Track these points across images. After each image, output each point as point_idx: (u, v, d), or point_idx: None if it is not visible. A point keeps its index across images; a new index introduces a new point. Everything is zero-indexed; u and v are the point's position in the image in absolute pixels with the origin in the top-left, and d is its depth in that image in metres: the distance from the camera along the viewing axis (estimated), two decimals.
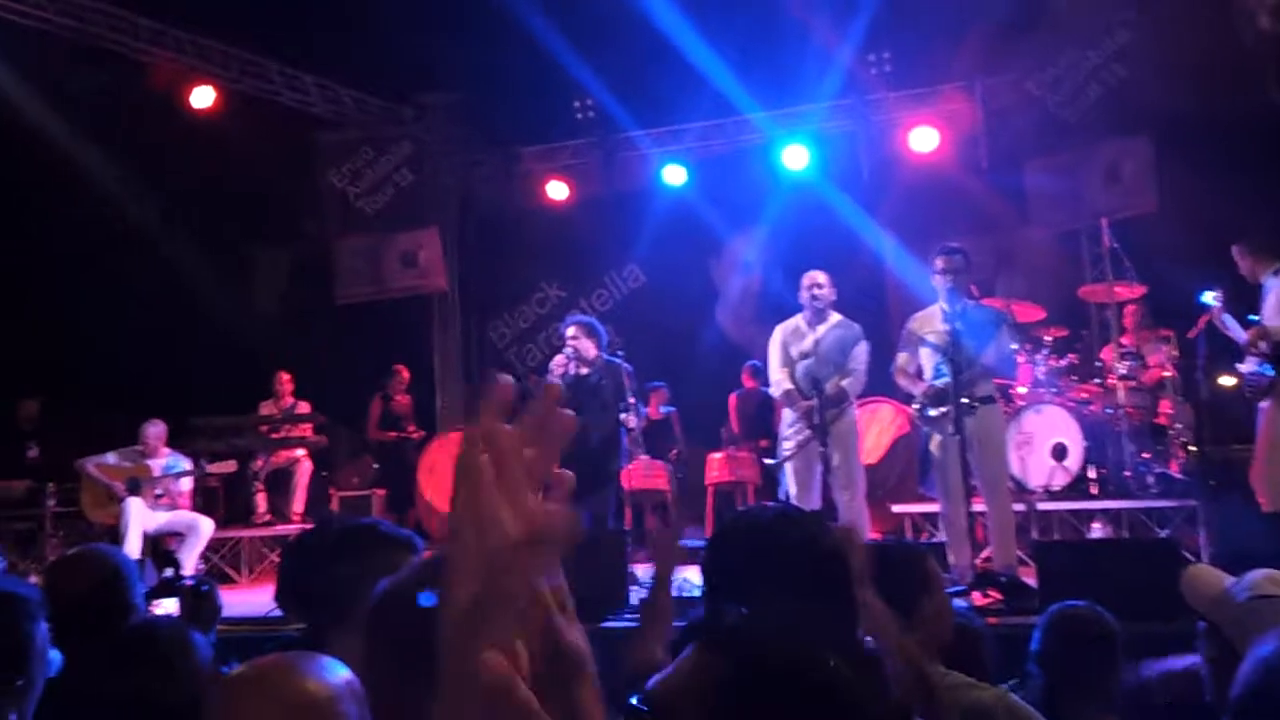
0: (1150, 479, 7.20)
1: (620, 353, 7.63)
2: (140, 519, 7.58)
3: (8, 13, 8.85)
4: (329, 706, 1.30)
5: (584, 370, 6.67)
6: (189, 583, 4.73)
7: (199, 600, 4.26)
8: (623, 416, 6.74)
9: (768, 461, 6.65)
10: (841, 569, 1.76)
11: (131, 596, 2.92)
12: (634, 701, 1.48)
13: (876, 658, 1.97)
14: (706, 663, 1.53)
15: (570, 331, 6.74)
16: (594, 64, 9.86)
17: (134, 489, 7.71)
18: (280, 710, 1.27)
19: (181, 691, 2.26)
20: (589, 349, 6.68)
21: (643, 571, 7.02)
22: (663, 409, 9.62)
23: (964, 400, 5.65)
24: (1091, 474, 7.34)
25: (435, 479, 8.79)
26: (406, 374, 10.04)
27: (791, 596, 1.69)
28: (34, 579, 7.45)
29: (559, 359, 6.73)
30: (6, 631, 2.10)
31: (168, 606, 6.11)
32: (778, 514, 1.88)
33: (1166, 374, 7.53)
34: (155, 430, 8.02)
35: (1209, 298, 6.48)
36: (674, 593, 2.73)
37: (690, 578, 6.27)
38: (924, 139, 9.72)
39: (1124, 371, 7.50)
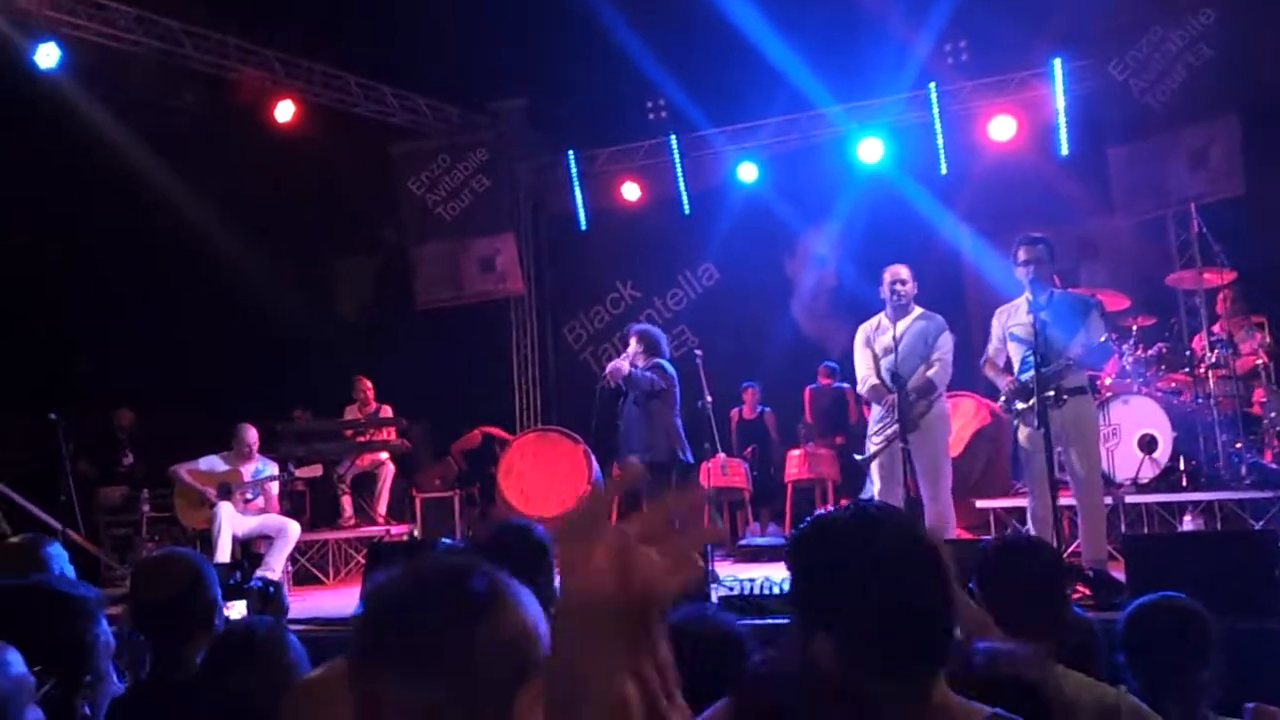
0: (1244, 469, 6.98)
1: (699, 352, 7.70)
2: (231, 523, 7.78)
3: (101, 38, 9.17)
4: None
5: (632, 375, 7.02)
6: (256, 584, 4.85)
7: (265, 602, 4.36)
8: (699, 405, 7.22)
9: (857, 456, 6.60)
10: (933, 570, 1.69)
11: (213, 597, 3.00)
12: None
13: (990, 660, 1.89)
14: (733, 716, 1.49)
15: (631, 339, 7.27)
16: (666, 63, 9.88)
17: (225, 494, 7.91)
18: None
19: (275, 690, 2.33)
20: (638, 354, 7.11)
21: (723, 569, 7.06)
22: (757, 408, 9.62)
23: (1051, 392, 5.54)
24: (1182, 465, 7.15)
25: (513, 480, 8.88)
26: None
27: (877, 601, 1.62)
28: (129, 582, 7.70)
29: (612, 365, 7.17)
30: (71, 631, 2.18)
31: (236, 609, 6.28)
32: (858, 514, 1.79)
33: (1260, 361, 7.30)
34: (252, 435, 8.21)
35: None
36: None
37: (771, 576, 6.29)
38: (1002, 128, 9.56)
39: (1215, 360, 7.29)
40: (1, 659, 1.61)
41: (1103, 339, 5.98)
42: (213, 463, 8.17)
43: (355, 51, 10.35)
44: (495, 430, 10.04)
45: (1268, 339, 7.37)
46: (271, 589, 4.47)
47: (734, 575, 6.73)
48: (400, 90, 10.73)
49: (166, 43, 9.48)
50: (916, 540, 1.69)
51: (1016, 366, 5.95)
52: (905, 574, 1.63)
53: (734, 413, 9.59)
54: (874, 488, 6.38)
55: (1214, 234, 7.76)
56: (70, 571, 3.40)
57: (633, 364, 7.07)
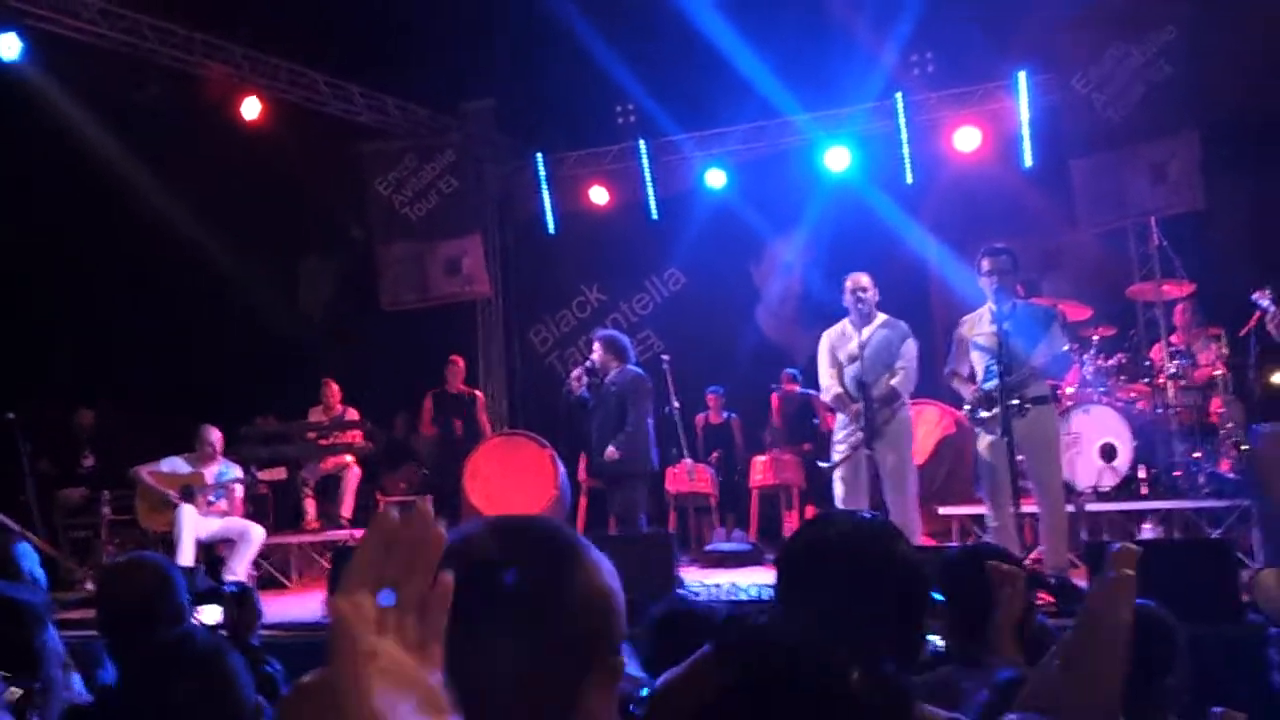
0: (1201, 479, 7.10)
1: (665, 357, 7.74)
2: (193, 526, 7.69)
3: (64, 29, 9.05)
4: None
5: (597, 382, 7.11)
6: (231, 589, 4.81)
7: (241, 607, 4.34)
8: (666, 411, 7.44)
9: (822, 465, 6.66)
10: (915, 586, 1.73)
11: (182, 601, 2.98)
12: (630, 709, 1.46)
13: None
14: (712, 664, 1.50)
15: (595, 346, 7.28)
16: (635, 68, 9.92)
17: (187, 496, 7.83)
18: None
19: (214, 703, 2.31)
20: (609, 362, 7.12)
21: (688, 574, 7.08)
22: (723, 413, 9.66)
23: (1014, 402, 5.62)
24: (1141, 474, 7.26)
25: (479, 484, 8.86)
26: (462, 364, 10.02)
27: (862, 611, 1.65)
28: (89, 586, 7.62)
29: (576, 372, 7.26)
30: (17, 638, 2.15)
31: (210, 613, 6.21)
32: (852, 526, 1.82)
33: (1217, 372, 7.44)
34: (215, 436, 8.12)
35: (1259, 298, 6.42)
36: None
37: (737, 581, 6.33)
38: (967, 138, 9.66)
39: (1174, 370, 7.42)
40: None
41: (1064, 349, 6.07)
42: (175, 464, 8.07)
43: (323, 50, 10.28)
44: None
45: (1224, 350, 7.51)
46: (246, 594, 4.43)
47: (700, 580, 6.76)
48: (368, 89, 10.67)
49: (131, 36, 9.36)
50: (901, 556, 1.73)
51: (980, 376, 6.03)
52: (885, 587, 1.67)
53: (699, 418, 9.63)
54: (838, 494, 6.44)
55: (1173, 247, 7.91)
56: (39, 571, 3.38)
57: (602, 375, 7.09)
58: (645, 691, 1.42)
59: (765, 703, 1.29)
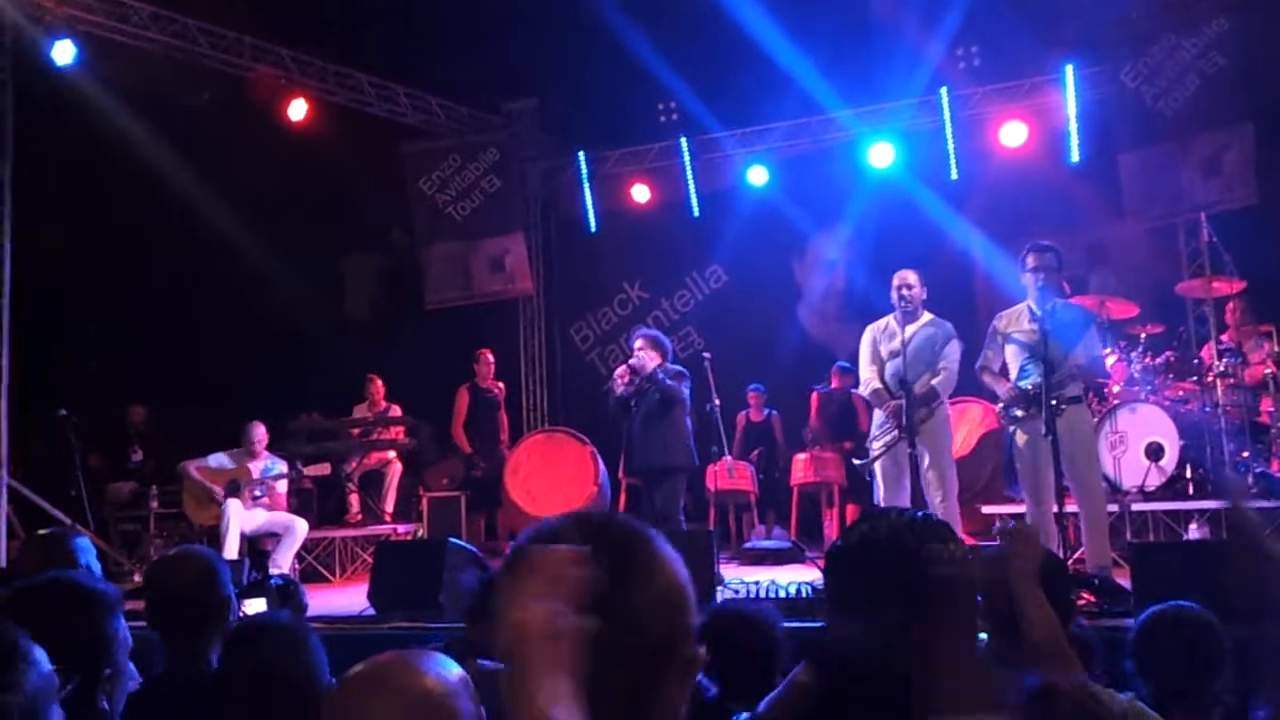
0: (1250, 479, 6.97)
1: (707, 355, 7.73)
2: (239, 520, 7.82)
3: (116, 34, 9.22)
4: (446, 702, 1.33)
5: (641, 381, 7.05)
6: (276, 582, 4.90)
7: (285, 599, 4.41)
8: (707, 408, 7.40)
9: (856, 462, 6.62)
10: (951, 582, 1.70)
11: (227, 594, 3.04)
12: None
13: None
14: (813, 681, 1.49)
15: (637, 344, 7.19)
16: (677, 66, 9.90)
17: (233, 491, 7.95)
18: (399, 705, 1.31)
19: (294, 684, 2.36)
20: (651, 359, 7.06)
21: (728, 571, 7.07)
22: (764, 410, 9.63)
23: (1053, 401, 5.55)
24: (1188, 474, 7.14)
25: (520, 480, 8.90)
26: (492, 358, 10.06)
27: (904, 610, 1.64)
28: (137, 578, 7.76)
29: (621, 370, 7.20)
30: (92, 625, 2.21)
31: (255, 605, 6.31)
32: (903, 524, 1.80)
33: (1268, 371, 7.29)
34: (260, 432, 8.27)
35: None
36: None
37: (776, 579, 6.30)
38: (1013, 133, 9.55)
39: (1223, 369, 7.28)
40: (30, 656, 1.63)
41: (1107, 351, 5.98)
42: (221, 460, 8.21)
43: (368, 51, 10.38)
44: None
45: (1276, 349, 7.36)
46: (291, 586, 4.52)
47: (739, 578, 6.75)
48: (412, 90, 10.76)
49: (182, 40, 9.52)
50: (938, 553, 1.71)
51: (1014, 373, 5.96)
52: (922, 585, 1.65)
53: (740, 416, 9.61)
54: (879, 493, 6.40)
55: (1224, 243, 7.75)
56: (96, 565, 3.45)
57: (644, 373, 7.08)
58: (745, 717, 1.43)
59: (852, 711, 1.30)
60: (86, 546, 3.63)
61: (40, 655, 1.64)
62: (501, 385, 10.09)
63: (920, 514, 1.85)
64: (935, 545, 1.65)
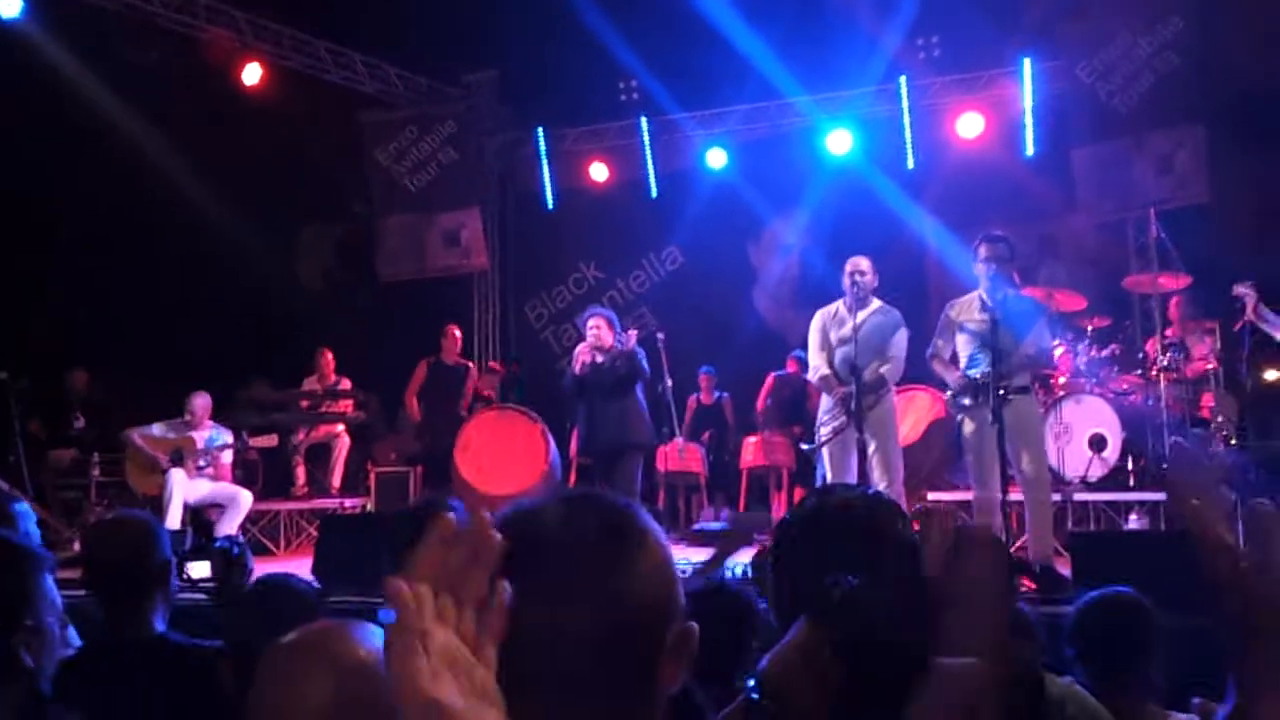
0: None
1: (660, 334, 7.73)
2: (182, 490, 7.72)
3: None
4: (380, 671, 1.32)
5: (600, 358, 7.08)
6: (221, 544, 4.85)
7: (230, 563, 4.38)
8: (659, 389, 7.43)
9: (804, 446, 6.67)
10: (914, 559, 1.72)
11: (167, 557, 3.01)
12: (749, 685, 1.43)
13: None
14: (820, 639, 1.48)
15: (592, 323, 7.22)
16: (639, 46, 9.85)
17: (177, 460, 7.84)
18: (332, 673, 1.30)
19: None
20: (607, 338, 7.12)
21: (675, 552, 7.09)
22: (714, 393, 9.64)
23: (1000, 390, 5.62)
24: (1130, 465, 7.27)
25: (470, 456, 8.84)
26: (458, 334, 9.87)
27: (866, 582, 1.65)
28: (77, 546, 7.64)
29: (582, 348, 7.22)
30: (12, 579, 2.17)
31: (200, 568, 6.24)
32: (854, 498, 1.81)
33: (1210, 367, 7.43)
34: (202, 401, 8.16)
35: (1240, 291, 6.45)
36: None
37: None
38: (970, 124, 9.63)
39: (1167, 363, 7.40)
40: None
41: (1055, 342, 6.05)
42: (165, 429, 8.09)
43: (326, 16, 10.21)
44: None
45: (1218, 345, 7.50)
46: (236, 550, 4.47)
47: (686, 559, 6.77)
48: (370, 58, 10.61)
49: None
50: (897, 530, 1.73)
51: (964, 362, 6.01)
52: (883, 560, 1.67)
53: (691, 399, 9.61)
54: (826, 476, 6.44)
55: (1172, 239, 7.88)
56: (35, 531, 3.39)
57: (599, 350, 7.08)
58: (751, 679, 1.42)
59: (882, 667, 1.31)
60: (26, 512, 3.57)
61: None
62: (471, 364, 9.97)
63: (869, 489, 1.88)
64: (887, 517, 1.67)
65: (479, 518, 0.88)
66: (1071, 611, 3.01)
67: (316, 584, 6.02)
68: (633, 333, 7.24)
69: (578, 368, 7.15)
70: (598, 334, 7.12)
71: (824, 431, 6.36)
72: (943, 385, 6.39)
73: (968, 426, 5.92)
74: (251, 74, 9.99)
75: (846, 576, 1.50)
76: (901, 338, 6.35)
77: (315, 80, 10.44)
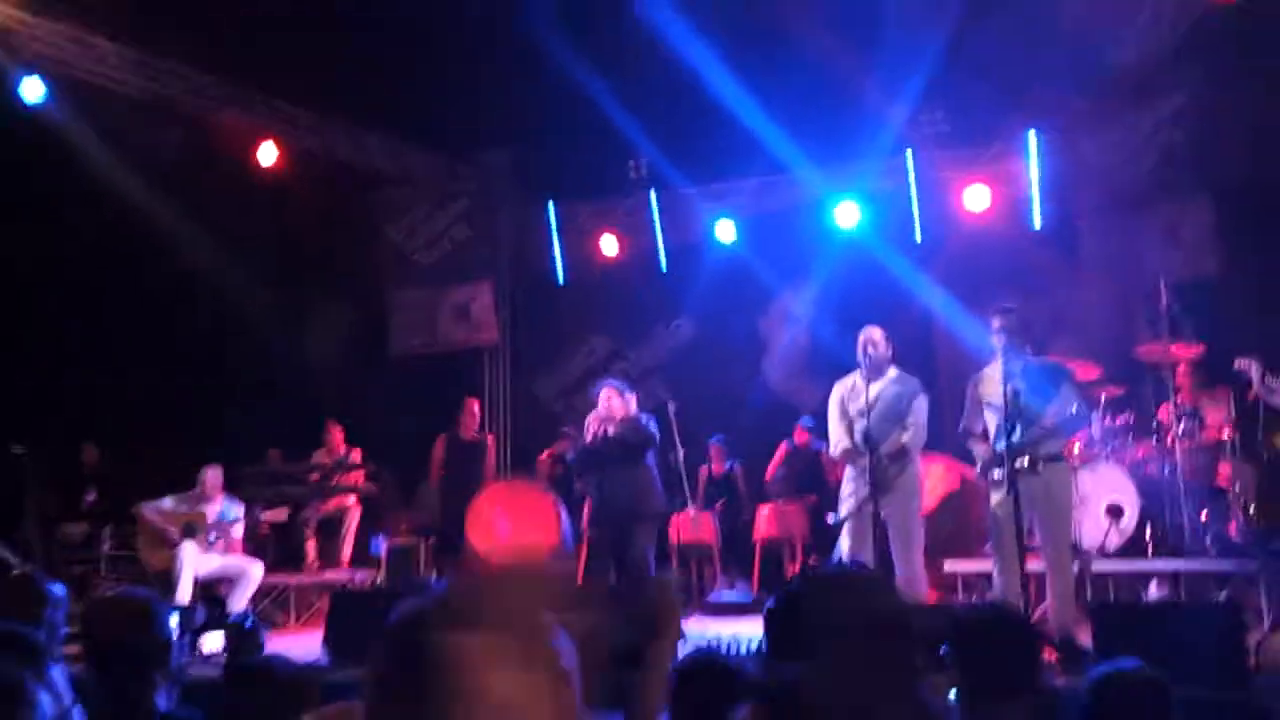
0: (1209, 540, 7.05)
1: (671, 403, 7.75)
2: (193, 564, 7.68)
3: (84, 73, 9.19)
4: None
5: (610, 430, 7.01)
6: (235, 619, 4.83)
7: (242, 636, 4.35)
8: (671, 459, 7.49)
9: (830, 519, 6.61)
10: (903, 634, 1.73)
11: (166, 636, 3.00)
12: None
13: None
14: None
15: (603, 393, 7.19)
16: (648, 123, 9.99)
17: (189, 533, 7.82)
18: None
19: None
20: (618, 408, 7.07)
21: (690, 625, 7.02)
22: (725, 462, 9.61)
23: (1025, 459, 5.60)
24: (1148, 534, 7.21)
25: (481, 527, 8.78)
26: (477, 409, 9.90)
27: (852, 659, 1.67)
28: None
29: (591, 416, 7.16)
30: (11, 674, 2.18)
31: (213, 641, 6.18)
32: (838, 579, 1.85)
33: (1225, 434, 7.40)
34: (213, 475, 8.16)
35: (1242, 365, 6.48)
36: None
37: (739, 634, 6.27)
38: (977, 197, 9.70)
39: (1182, 430, 7.38)
40: (33, 699, 1.60)
41: (1075, 407, 6.04)
42: (177, 502, 8.09)
43: (341, 97, 10.41)
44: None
45: (1232, 413, 7.48)
46: (249, 623, 4.45)
47: (700, 631, 6.71)
48: (385, 137, 10.79)
49: (151, 81, 9.49)
50: (888, 605, 1.74)
51: (992, 434, 6.00)
52: (873, 636, 1.67)
53: (702, 469, 9.57)
54: (843, 547, 6.39)
55: (1183, 309, 7.89)
56: (60, 621, 3.42)
57: (610, 421, 7.06)
58: None
59: None
60: (61, 598, 3.56)
61: (43, 697, 1.61)
62: (489, 437, 9.97)
63: (856, 567, 1.93)
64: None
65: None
66: (1083, 686, 2.97)
67: (325, 659, 5.98)
68: (632, 396, 7.23)
69: (588, 438, 7.14)
70: (609, 404, 7.11)
71: (849, 503, 6.34)
72: (964, 455, 6.37)
73: (994, 498, 5.89)
74: (267, 154, 10.16)
75: (790, 664, 1.53)
76: (921, 404, 6.36)
77: (330, 159, 10.60)
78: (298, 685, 2.80)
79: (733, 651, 5.66)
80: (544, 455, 9.80)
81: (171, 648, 3.07)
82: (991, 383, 5.99)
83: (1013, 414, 5.60)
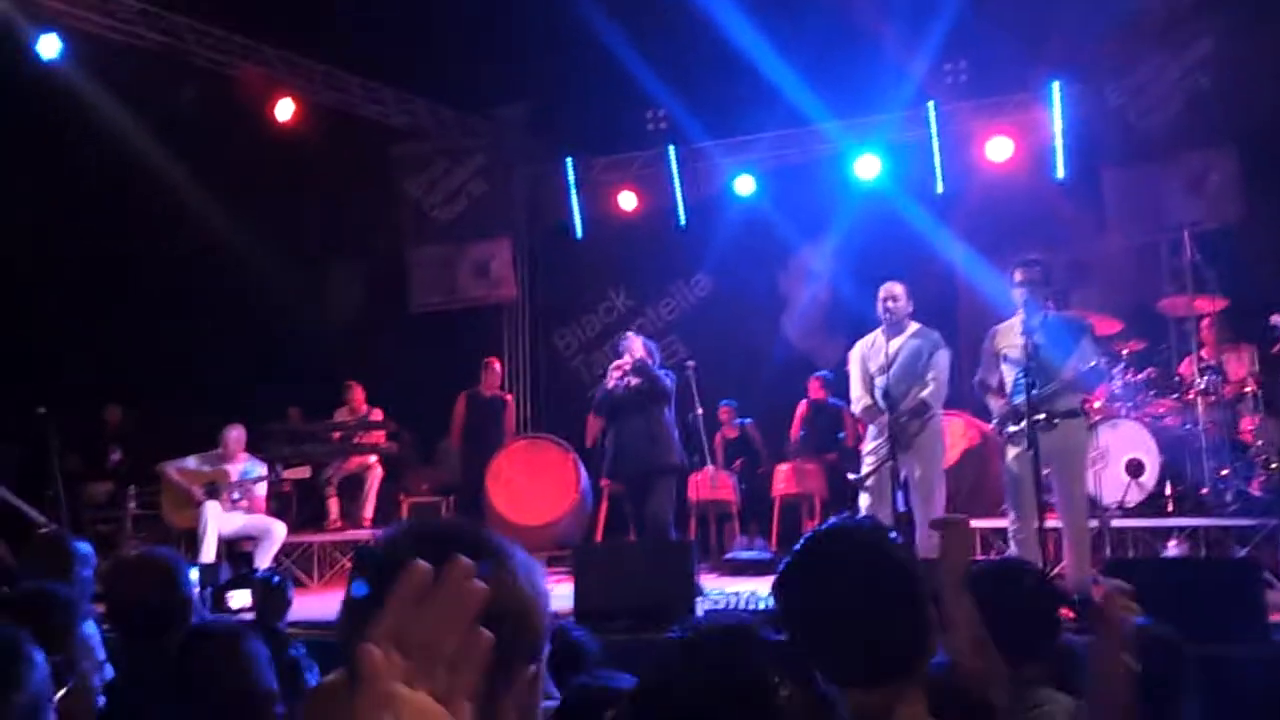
0: (1229, 496, 6.99)
1: (690, 363, 7.73)
2: (217, 522, 7.77)
3: (102, 29, 9.16)
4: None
5: (633, 380, 6.99)
6: (262, 575, 4.89)
7: (270, 593, 4.41)
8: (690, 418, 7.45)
9: (850, 476, 6.60)
10: (906, 587, 1.74)
11: (187, 595, 3.03)
12: None
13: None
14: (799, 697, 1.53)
15: (624, 344, 7.22)
16: (666, 75, 9.89)
17: (212, 493, 7.90)
18: None
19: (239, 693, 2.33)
20: (637, 351, 7.09)
21: (708, 582, 7.06)
22: (736, 423, 9.58)
23: (1043, 415, 5.56)
24: (1168, 491, 7.17)
25: (501, 486, 8.86)
26: (499, 367, 10.00)
27: (856, 616, 1.69)
28: None
29: (615, 364, 7.16)
30: (52, 630, 2.20)
31: (240, 598, 6.26)
32: (838, 531, 1.86)
33: (1248, 389, 7.33)
34: (235, 434, 8.22)
35: (1277, 321, 6.39)
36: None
37: (757, 590, 6.29)
38: (999, 148, 9.58)
39: (1204, 386, 7.31)
40: (32, 658, 1.62)
41: (1093, 363, 6.00)
42: (200, 462, 8.16)
43: (358, 52, 10.34)
44: None
45: (1255, 367, 7.40)
46: (276, 579, 4.50)
47: (720, 589, 6.74)
48: (401, 92, 10.73)
49: (168, 36, 9.46)
50: (891, 558, 1.74)
51: (1009, 388, 5.95)
52: (874, 593, 1.68)
53: (717, 436, 9.47)
54: (863, 504, 6.39)
55: (1207, 261, 7.79)
56: (89, 576, 3.47)
57: (632, 373, 7.05)
58: None
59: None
60: (87, 555, 3.61)
61: (40, 656, 1.62)
62: (509, 396, 10.02)
63: (858, 518, 1.95)
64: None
65: (458, 565, 0.82)
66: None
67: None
68: (656, 351, 7.26)
69: (610, 383, 7.12)
70: (630, 352, 7.11)
71: (870, 460, 6.32)
72: (985, 411, 6.34)
73: (1010, 453, 5.86)
74: (284, 110, 10.12)
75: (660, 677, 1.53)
76: (942, 359, 6.31)
77: (347, 115, 10.56)
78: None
79: (745, 608, 5.70)
80: None
81: (192, 606, 3.10)
82: (1009, 335, 5.95)
83: (1031, 368, 5.56)
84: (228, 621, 3.50)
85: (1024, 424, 5.61)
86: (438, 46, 10.12)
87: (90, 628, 3.14)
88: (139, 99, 9.69)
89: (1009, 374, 5.97)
